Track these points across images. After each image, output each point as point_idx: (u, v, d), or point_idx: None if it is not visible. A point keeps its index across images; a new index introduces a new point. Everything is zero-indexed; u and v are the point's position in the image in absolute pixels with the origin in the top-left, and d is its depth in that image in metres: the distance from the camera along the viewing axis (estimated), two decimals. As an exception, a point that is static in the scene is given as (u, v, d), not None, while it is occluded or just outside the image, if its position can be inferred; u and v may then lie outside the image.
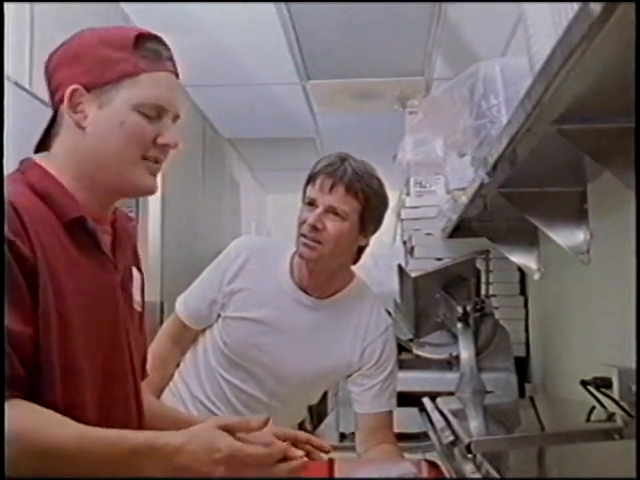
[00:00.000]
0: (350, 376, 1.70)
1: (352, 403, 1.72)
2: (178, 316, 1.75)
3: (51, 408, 0.96)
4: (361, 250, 1.67)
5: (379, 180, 1.62)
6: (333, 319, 1.67)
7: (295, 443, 1.21)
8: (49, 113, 1.11)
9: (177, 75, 1.13)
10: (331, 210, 1.56)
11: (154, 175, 1.11)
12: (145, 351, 1.27)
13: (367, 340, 1.67)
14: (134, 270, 1.21)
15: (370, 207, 1.59)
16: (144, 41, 1.08)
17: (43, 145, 1.12)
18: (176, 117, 1.12)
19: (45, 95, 1.13)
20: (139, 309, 1.21)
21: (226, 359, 1.68)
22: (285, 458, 1.03)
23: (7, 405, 0.91)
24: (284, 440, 1.22)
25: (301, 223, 1.58)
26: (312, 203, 1.58)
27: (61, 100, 1.07)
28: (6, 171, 1.09)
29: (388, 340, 1.70)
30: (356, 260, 1.69)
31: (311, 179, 1.60)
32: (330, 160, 1.59)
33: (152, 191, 1.13)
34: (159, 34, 1.12)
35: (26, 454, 0.91)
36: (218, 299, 1.67)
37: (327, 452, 1.22)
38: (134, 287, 1.20)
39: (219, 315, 1.69)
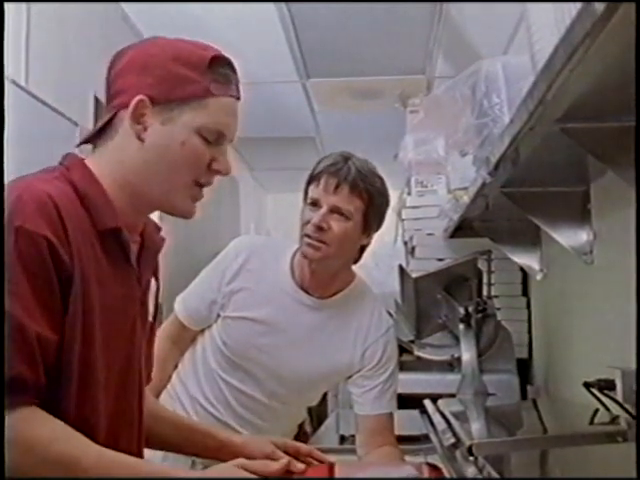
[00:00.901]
0: (351, 377, 1.69)
1: (352, 404, 1.71)
2: (177, 317, 1.73)
3: (63, 417, 0.95)
4: (363, 249, 1.66)
5: (381, 179, 1.61)
6: (334, 319, 1.66)
7: (296, 455, 1.22)
8: (45, 111, 1.10)
9: (239, 99, 1.13)
10: (336, 210, 1.55)
11: (196, 201, 1.11)
12: (151, 361, 1.26)
13: (368, 341, 1.66)
14: (152, 280, 1.20)
15: (373, 206, 1.58)
16: (217, 64, 1.07)
17: (90, 140, 1.10)
18: (231, 141, 1.12)
19: (41, 93, 1.12)
20: (151, 319, 1.20)
21: (225, 359, 1.67)
22: (287, 471, 1.04)
23: (24, 411, 0.90)
24: (284, 451, 1.23)
25: (305, 223, 1.57)
26: (316, 203, 1.56)
27: (122, 105, 1.05)
28: (6, 171, 1.07)
29: (389, 341, 1.68)
30: (357, 259, 1.68)
31: (314, 179, 1.59)
32: (333, 159, 1.58)
33: (190, 217, 1.13)
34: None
35: (41, 463, 0.91)
36: (218, 299, 1.66)
37: (331, 467, 1.22)
38: (150, 298, 1.18)
39: (218, 315, 1.68)
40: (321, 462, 1.24)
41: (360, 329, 1.66)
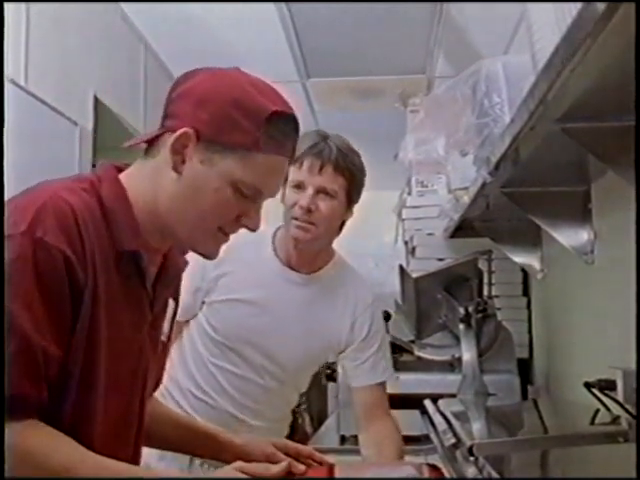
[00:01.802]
0: (343, 352, 1.70)
1: (348, 379, 1.73)
2: None
3: (58, 424, 0.94)
4: (343, 224, 1.68)
5: (358, 155, 1.63)
6: (321, 294, 1.67)
7: (297, 457, 1.21)
8: (45, 110, 1.09)
9: (291, 158, 1.08)
10: (322, 190, 1.56)
11: (220, 245, 1.08)
12: (161, 376, 1.25)
13: (356, 313, 1.68)
14: (170, 300, 1.18)
15: (355, 182, 1.60)
16: (277, 120, 1.01)
17: (138, 145, 1.07)
18: (270, 197, 1.07)
19: (41, 92, 1.11)
20: (164, 339, 1.18)
21: (215, 344, 1.66)
22: (289, 473, 1.04)
23: (23, 423, 0.89)
24: (285, 452, 1.22)
25: (291, 206, 1.57)
26: (300, 185, 1.57)
27: (170, 129, 1.01)
28: (6, 171, 1.06)
29: (375, 312, 1.71)
30: (338, 234, 1.69)
31: (294, 160, 1.57)
32: (312, 140, 1.58)
33: (212, 258, 1.11)
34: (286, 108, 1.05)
35: (39, 474, 0.90)
36: (202, 286, 1.65)
37: (331, 468, 1.22)
38: (165, 318, 1.17)
39: (203, 302, 1.67)
40: (321, 464, 1.24)
41: (347, 302, 1.68)
